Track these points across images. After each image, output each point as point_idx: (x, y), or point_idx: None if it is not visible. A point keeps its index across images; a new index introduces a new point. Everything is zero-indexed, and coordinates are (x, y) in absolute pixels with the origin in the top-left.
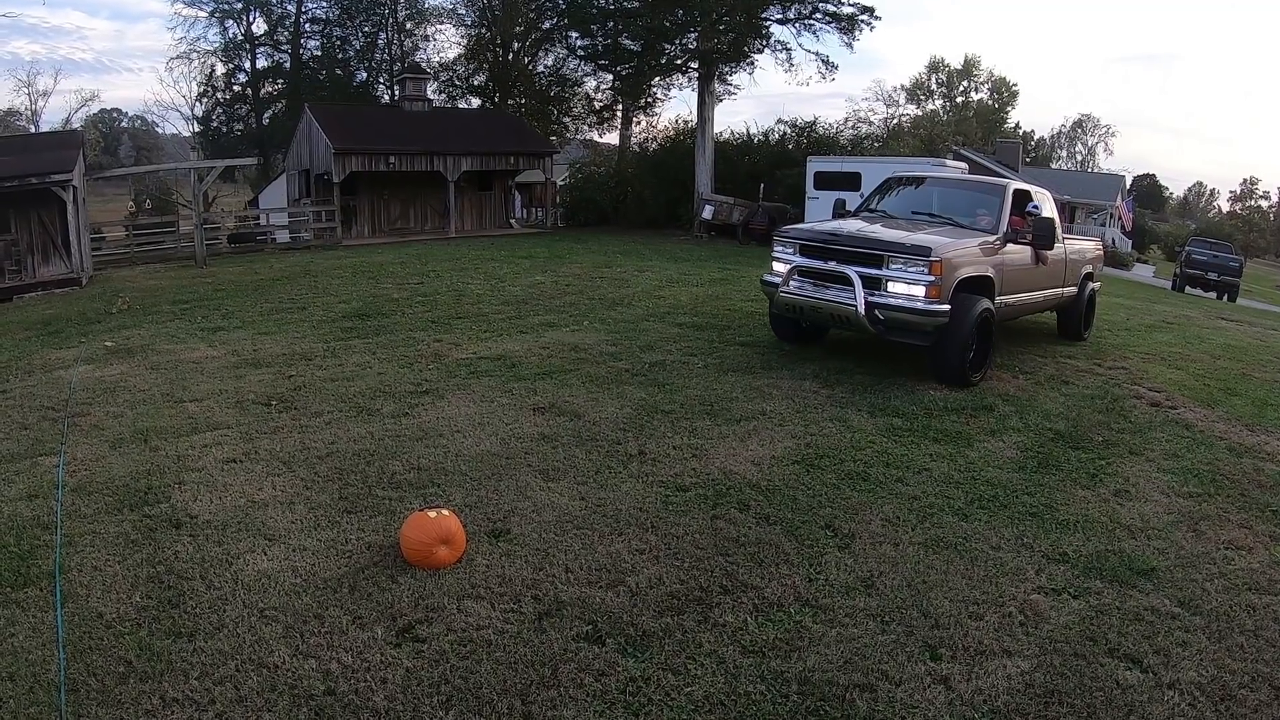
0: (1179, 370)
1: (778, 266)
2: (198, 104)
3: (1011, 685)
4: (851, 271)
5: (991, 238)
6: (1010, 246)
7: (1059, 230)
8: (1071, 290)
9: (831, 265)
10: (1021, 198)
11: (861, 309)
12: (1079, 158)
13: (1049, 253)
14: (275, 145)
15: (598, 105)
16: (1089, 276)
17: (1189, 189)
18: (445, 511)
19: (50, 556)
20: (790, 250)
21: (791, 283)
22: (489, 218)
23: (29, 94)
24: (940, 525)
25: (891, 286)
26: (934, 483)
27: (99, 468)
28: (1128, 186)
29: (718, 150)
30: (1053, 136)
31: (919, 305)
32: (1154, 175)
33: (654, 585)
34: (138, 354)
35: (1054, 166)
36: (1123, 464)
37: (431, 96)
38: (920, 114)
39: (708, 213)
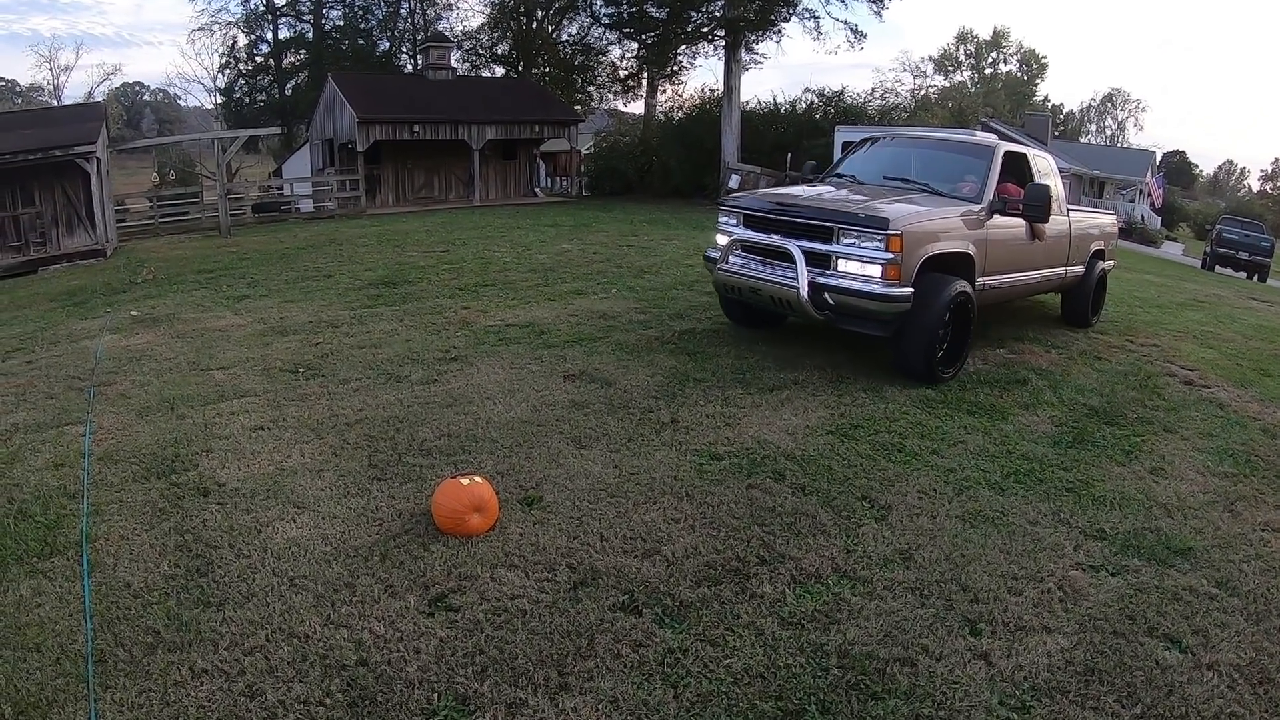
0: (1211, 349)
1: (719, 239)
2: (220, 75)
3: (1052, 662)
4: (794, 247)
5: (975, 208)
6: (998, 219)
7: (1062, 200)
8: (1077, 270)
9: (776, 239)
10: (1016, 162)
11: (804, 291)
12: (1108, 132)
13: (1049, 226)
14: (298, 116)
15: (622, 74)
16: (1099, 255)
17: (1219, 167)
18: (478, 478)
19: (77, 526)
20: (734, 221)
21: (732, 259)
22: (514, 187)
23: (50, 69)
24: (977, 499)
25: (842, 265)
26: (969, 455)
27: (125, 436)
28: (1157, 163)
29: (744, 119)
30: (1082, 110)
31: (875, 288)
32: (1184, 152)
33: (690, 555)
34: (163, 323)
35: (1083, 141)
36: (1157, 441)
37: (455, 65)
38: (948, 85)
39: (734, 182)
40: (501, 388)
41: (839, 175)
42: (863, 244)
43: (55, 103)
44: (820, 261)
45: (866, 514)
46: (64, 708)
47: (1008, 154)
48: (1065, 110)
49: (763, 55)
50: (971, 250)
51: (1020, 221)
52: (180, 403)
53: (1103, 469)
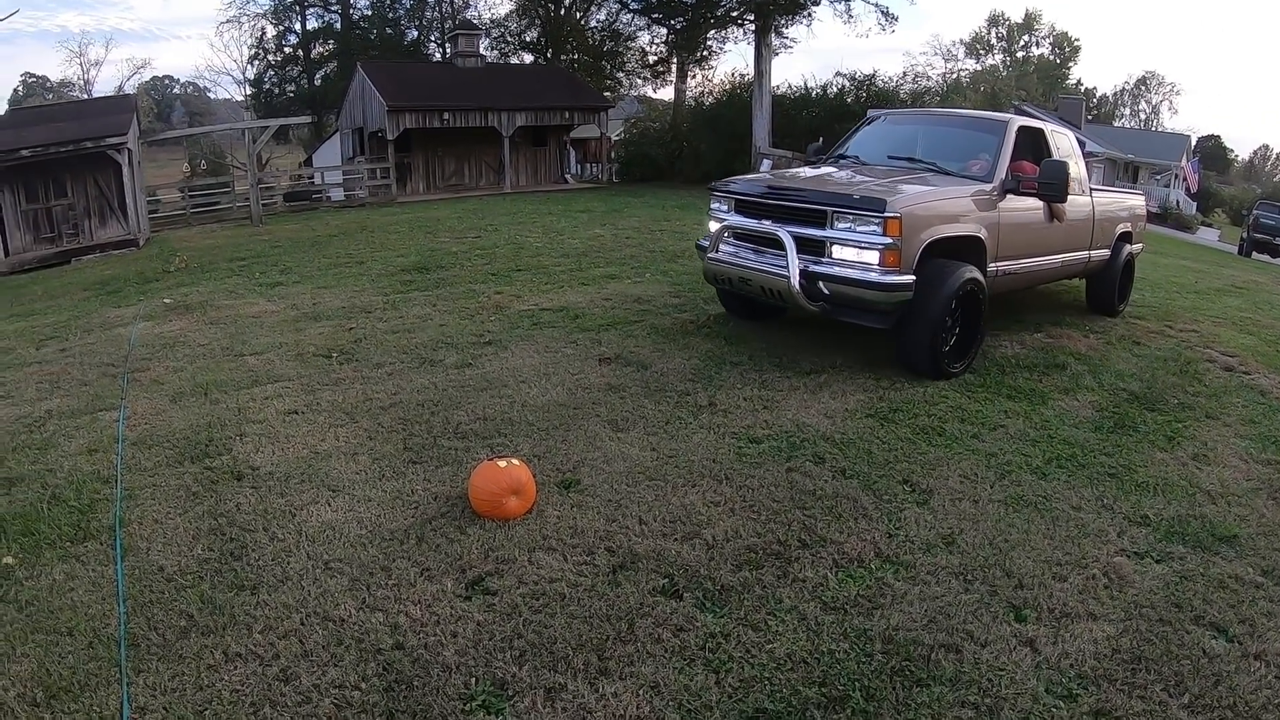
0: (1251, 336)
1: (711, 226)
2: (249, 67)
3: (1098, 650)
4: (784, 233)
5: (985, 187)
6: (1012, 199)
7: (1084, 179)
8: (1102, 254)
9: (766, 225)
10: (1031, 138)
11: (794, 281)
12: (1142, 116)
13: (1069, 207)
14: (328, 105)
15: (651, 60)
16: (1126, 238)
17: (1255, 151)
18: (515, 461)
19: (110, 510)
20: (725, 207)
21: (723, 247)
22: (544, 173)
23: (81, 64)
24: (1019, 483)
25: (837, 252)
26: (1010, 440)
27: (159, 421)
28: (1192, 147)
29: (775, 104)
30: (1115, 94)
31: (872, 276)
32: (1219, 136)
33: (731, 538)
34: (196, 310)
35: (1117, 125)
36: (1199, 428)
37: (484, 53)
38: (980, 69)
39: (765, 167)
40: (536, 371)
41: (842, 156)
42: (858, 228)
43: (86, 97)
44: (814, 249)
45: (908, 498)
46: (96, 691)
47: (1022, 130)
48: (1099, 94)
49: (793, 39)
50: (981, 233)
51: (1037, 202)
52: (214, 388)
53: (1145, 454)
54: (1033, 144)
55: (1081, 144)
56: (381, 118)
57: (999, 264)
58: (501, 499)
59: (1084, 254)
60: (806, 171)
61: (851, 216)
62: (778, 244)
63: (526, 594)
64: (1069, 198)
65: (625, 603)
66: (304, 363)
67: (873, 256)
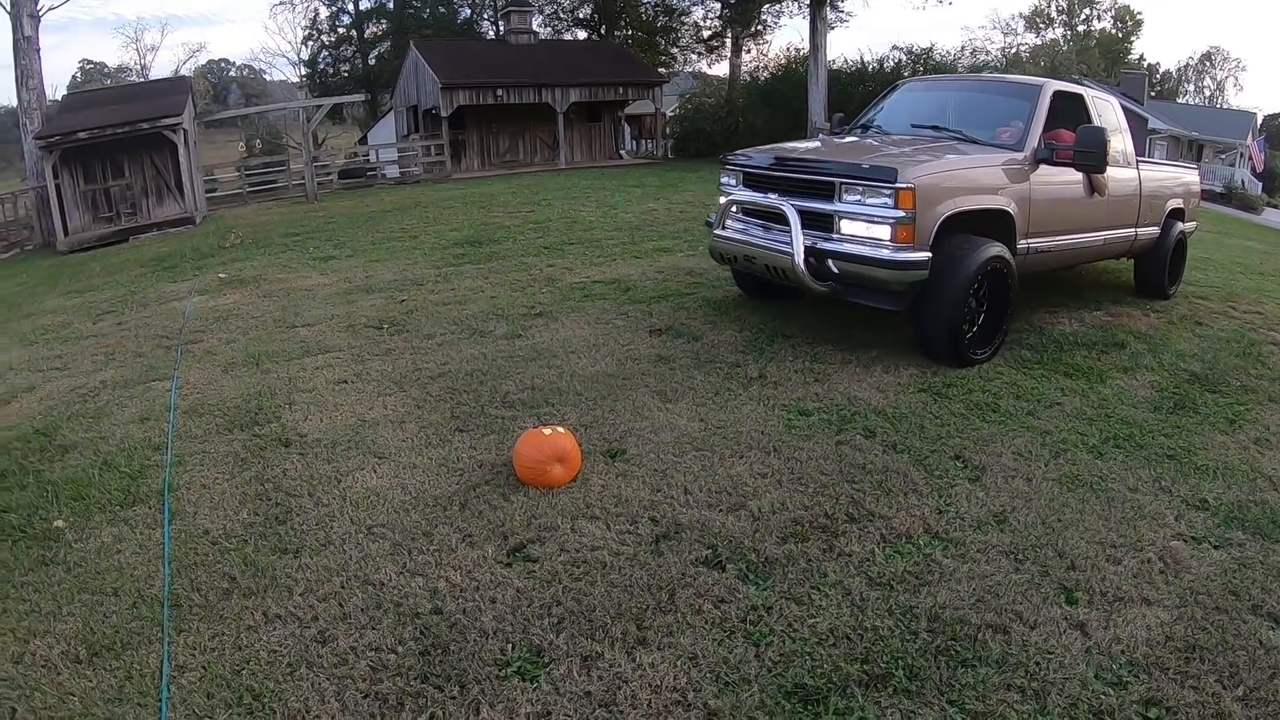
0: None
1: (722, 202)
2: (303, 48)
3: (1151, 636)
4: (788, 206)
5: (1015, 156)
6: (1045, 170)
7: (1130, 151)
8: (1150, 232)
9: (771, 199)
10: (1070, 105)
11: (799, 258)
12: (1207, 93)
13: (1114, 180)
14: (382, 85)
15: (705, 34)
16: (1177, 215)
17: None
18: (560, 429)
19: (160, 476)
20: (733, 181)
21: (731, 223)
22: (598, 149)
23: (137, 49)
24: (1074, 462)
25: (846, 226)
26: (1066, 418)
27: (210, 391)
28: (1258, 125)
29: (831, 79)
30: (1179, 70)
31: (884, 253)
32: None
33: (777, 510)
34: (250, 284)
35: (1180, 101)
36: (1262, 411)
37: (537, 29)
38: (1040, 44)
39: None
40: (586, 342)
41: (863, 126)
42: (868, 200)
43: (142, 81)
44: (822, 224)
45: (959, 474)
46: (138, 650)
47: (1058, 95)
48: (1162, 70)
49: (849, 13)
50: (1010, 207)
51: (1075, 174)
52: (265, 358)
53: (1205, 437)
54: (1072, 111)
55: (1143, 120)
56: (435, 95)
57: (1031, 240)
58: (546, 466)
59: (1129, 231)
60: (815, 142)
61: (861, 188)
62: (784, 219)
63: (567, 561)
64: (1113, 170)
65: (667, 573)
66: (355, 334)
67: (884, 231)
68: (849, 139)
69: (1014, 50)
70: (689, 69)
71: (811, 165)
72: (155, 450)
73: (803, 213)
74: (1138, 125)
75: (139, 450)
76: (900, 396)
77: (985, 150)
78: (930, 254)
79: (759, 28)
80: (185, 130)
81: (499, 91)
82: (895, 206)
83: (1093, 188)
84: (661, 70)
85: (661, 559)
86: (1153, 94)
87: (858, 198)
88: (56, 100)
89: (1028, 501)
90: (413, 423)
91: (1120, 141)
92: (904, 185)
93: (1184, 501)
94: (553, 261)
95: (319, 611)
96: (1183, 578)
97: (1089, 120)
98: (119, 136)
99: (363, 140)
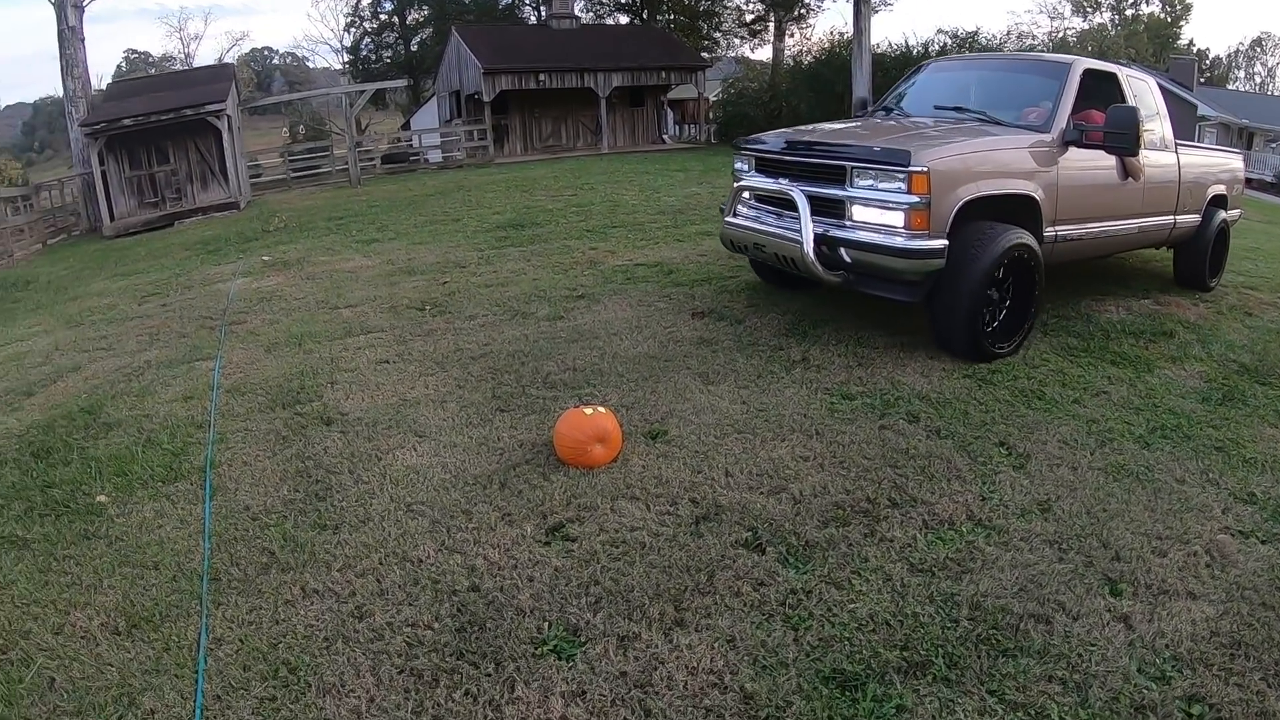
0: None
1: (734, 187)
2: (345, 35)
3: (1196, 631)
4: (796, 191)
5: (1042, 138)
6: (1074, 153)
7: (1165, 132)
8: (1190, 220)
9: (782, 184)
10: (1103, 85)
11: (808, 247)
12: (1258, 79)
13: (1151, 165)
14: (424, 70)
15: (748, 18)
16: (1219, 202)
17: None
18: (602, 409)
19: (202, 453)
20: (746, 165)
21: (744, 209)
22: (641, 134)
23: (181, 38)
24: (1121, 452)
25: (858, 213)
26: (1113, 407)
27: (253, 370)
28: None
29: (875, 63)
30: (1229, 56)
31: (897, 241)
32: None
33: (818, 494)
34: (294, 266)
35: (1230, 88)
36: None
37: (578, 14)
38: (1087, 28)
39: None
40: (628, 324)
41: (885, 108)
42: (881, 185)
43: (185, 68)
44: (834, 210)
45: (1004, 461)
46: (176, 622)
47: (1089, 74)
48: (1211, 55)
49: None
50: (1036, 192)
51: (1109, 158)
52: (308, 339)
53: (1254, 429)
54: (1105, 91)
55: (1192, 106)
56: (478, 80)
57: (1059, 228)
58: (586, 446)
59: (1168, 219)
60: (830, 125)
61: (873, 172)
62: (794, 206)
63: (606, 541)
64: (1149, 154)
65: (706, 554)
66: (397, 315)
67: (897, 218)
68: (868, 121)
69: (1060, 34)
70: (732, 53)
71: (822, 149)
72: (198, 428)
73: (813, 199)
74: (1185, 111)
75: (182, 428)
76: (944, 382)
77: (1009, 132)
78: (947, 242)
79: (802, 11)
80: (229, 116)
81: (541, 76)
82: (909, 191)
83: (1126, 172)
84: (704, 55)
85: (701, 540)
86: (1202, 80)
87: (870, 182)
88: (101, 89)
89: (1073, 490)
90: (454, 402)
91: (1157, 124)
92: (918, 169)
93: (1232, 495)
94: (595, 244)
95: (357, 587)
96: (1229, 572)
97: (1123, 100)
98: (164, 123)
99: (405, 126)
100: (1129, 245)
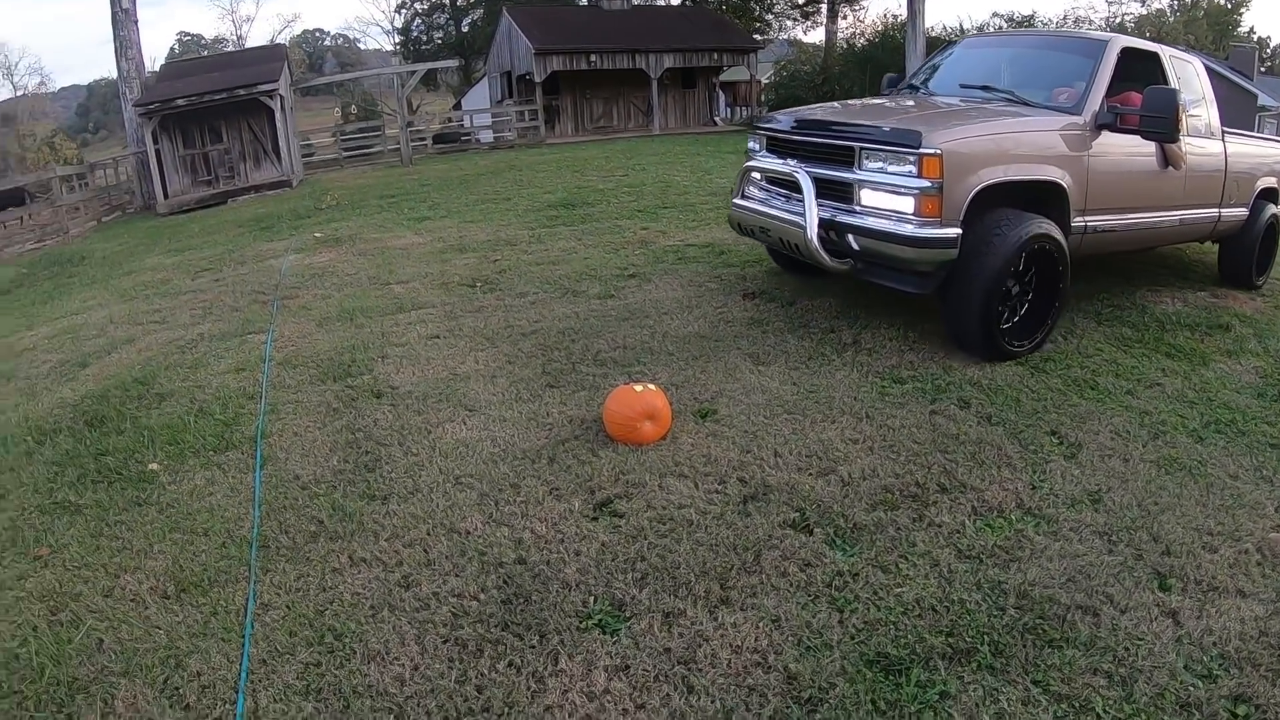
0: None
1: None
2: (396, 16)
3: (1244, 630)
4: (802, 173)
5: (1073, 121)
6: (1108, 137)
7: (1211, 118)
8: (1236, 213)
9: (790, 165)
10: (1143, 65)
11: (812, 232)
12: None
13: (1196, 153)
14: (475, 51)
15: (800, 0)
16: (1269, 195)
17: None
18: (652, 386)
19: (253, 423)
20: (758, 145)
21: (755, 191)
22: (693, 116)
23: (233, 21)
24: (1173, 445)
25: (867, 197)
26: (1166, 400)
27: (305, 343)
28: None
29: (929, 46)
30: None
31: (906, 229)
32: None
33: (867, 477)
34: (345, 243)
35: None
36: None
37: None
38: (1145, 13)
39: None
40: (679, 304)
41: (911, 87)
42: (891, 168)
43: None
44: (842, 194)
45: (1055, 450)
46: (225, 587)
47: (1128, 52)
48: (1273, 44)
49: None
50: (1063, 178)
51: (1147, 144)
52: (359, 314)
53: None
54: (1145, 72)
55: (1252, 95)
56: (529, 61)
57: (1090, 218)
58: (636, 423)
59: (1212, 212)
60: (845, 104)
61: (883, 154)
62: (800, 188)
63: (654, 518)
64: (1193, 141)
65: (753, 533)
66: (448, 291)
67: (907, 203)
68: (889, 100)
69: (1119, 19)
70: (784, 36)
71: (831, 128)
72: (249, 399)
73: (820, 181)
74: (1245, 101)
75: (233, 399)
76: (996, 369)
77: (1037, 113)
78: (960, 230)
79: None
80: (282, 96)
81: (592, 57)
82: (920, 175)
83: (1167, 160)
84: (756, 37)
85: (749, 520)
86: (1263, 69)
87: (880, 165)
88: (155, 71)
89: (1124, 482)
90: (504, 378)
91: (1203, 109)
92: (929, 151)
93: None
94: (646, 224)
95: (404, 557)
96: None
97: (1165, 82)
98: (217, 103)
99: (456, 106)
100: (1169, 239)
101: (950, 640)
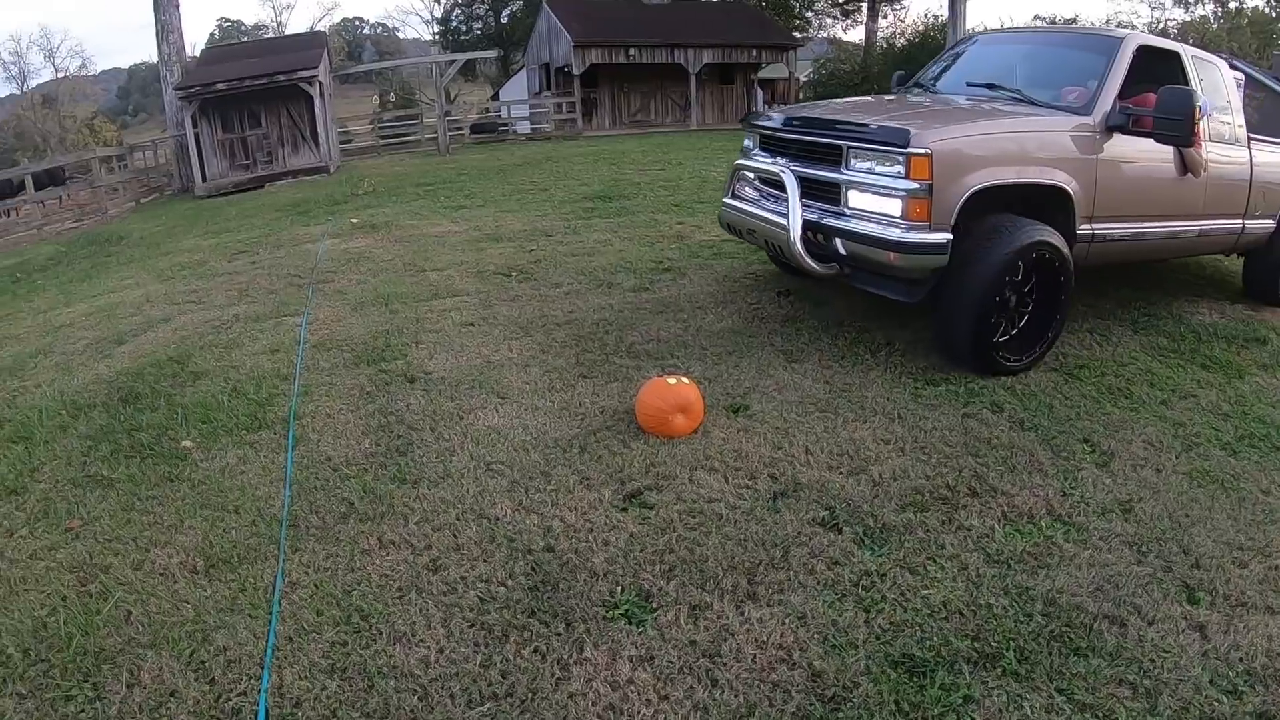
0: None
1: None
2: (436, 5)
3: (1272, 647)
4: (787, 173)
5: (1082, 122)
6: (1120, 140)
7: (1234, 119)
8: (1262, 225)
9: (779, 163)
10: (1160, 64)
11: (795, 234)
12: None
13: (1217, 159)
14: (514, 43)
15: None
16: None
17: None
18: (685, 380)
19: (286, 404)
20: (751, 143)
21: (748, 190)
22: (730, 111)
23: (273, 7)
24: (1206, 457)
25: (854, 199)
26: (1200, 411)
27: (339, 327)
28: None
29: None
30: None
31: (893, 233)
32: None
33: (897, 477)
34: (381, 229)
35: None
36: None
37: None
38: (1188, 20)
39: None
40: (714, 298)
41: (918, 85)
42: (879, 169)
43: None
44: (829, 194)
45: (1087, 457)
46: (253, 564)
47: (1145, 51)
48: None
49: None
50: (1068, 183)
51: (1164, 148)
52: (394, 299)
53: None
54: (1164, 73)
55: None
56: (568, 53)
57: (1098, 225)
58: (668, 415)
59: (1234, 223)
60: (844, 101)
61: (871, 153)
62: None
63: (683, 511)
64: (1216, 148)
65: (782, 530)
66: (483, 280)
67: (894, 206)
68: (889, 98)
69: (1161, 25)
70: (823, 34)
71: (819, 126)
72: (283, 380)
73: (806, 181)
74: None
75: (267, 379)
76: (1030, 374)
77: (1042, 113)
78: (951, 236)
79: None
80: (321, 83)
81: (631, 51)
82: (907, 176)
83: (1186, 166)
84: (796, 34)
85: (778, 516)
86: None
87: (868, 165)
88: (195, 56)
89: (1155, 493)
90: (537, 366)
91: (1228, 114)
92: (918, 151)
93: None
94: (682, 219)
95: (433, 540)
96: None
97: (1186, 83)
98: (256, 88)
99: (494, 97)
100: (1186, 250)
101: (976, 644)
